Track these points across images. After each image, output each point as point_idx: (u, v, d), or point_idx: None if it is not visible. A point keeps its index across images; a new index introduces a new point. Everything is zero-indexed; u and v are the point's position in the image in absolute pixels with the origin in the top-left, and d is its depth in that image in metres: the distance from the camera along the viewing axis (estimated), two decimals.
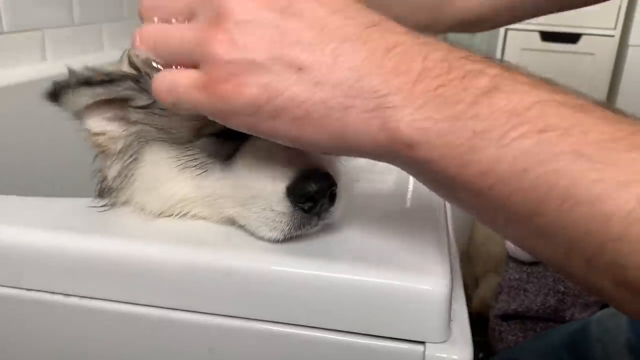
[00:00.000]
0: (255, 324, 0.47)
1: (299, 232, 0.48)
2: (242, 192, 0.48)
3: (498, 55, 2.02)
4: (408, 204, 0.61)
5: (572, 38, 1.85)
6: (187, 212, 0.52)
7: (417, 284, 0.44)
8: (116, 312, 0.49)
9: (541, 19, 1.88)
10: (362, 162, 0.72)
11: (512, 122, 0.35)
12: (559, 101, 0.35)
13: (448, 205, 0.67)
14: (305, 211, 0.47)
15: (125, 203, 0.53)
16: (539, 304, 1.42)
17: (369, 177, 0.69)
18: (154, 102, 0.50)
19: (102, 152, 0.54)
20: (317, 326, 0.46)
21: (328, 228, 0.50)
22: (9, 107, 1.09)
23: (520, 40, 2.00)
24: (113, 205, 0.54)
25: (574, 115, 0.35)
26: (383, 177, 0.69)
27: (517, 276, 1.46)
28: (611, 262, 0.33)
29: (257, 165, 0.48)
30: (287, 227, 0.47)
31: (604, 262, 0.34)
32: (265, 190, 0.47)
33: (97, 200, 0.54)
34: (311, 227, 0.48)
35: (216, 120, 0.43)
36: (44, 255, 0.49)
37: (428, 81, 0.37)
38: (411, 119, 0.36)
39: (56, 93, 0.49)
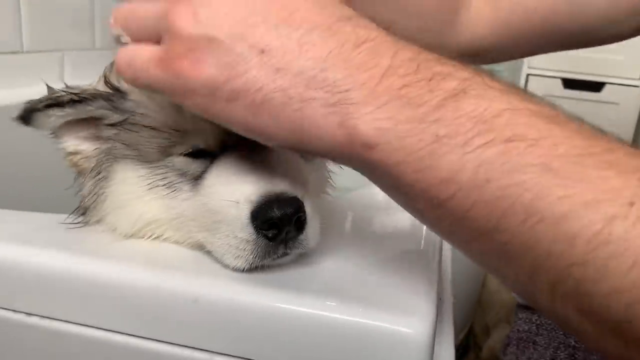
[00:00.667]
0: (218, 358, 0.43)
1: (265, 262, 0.45)
2: (208, 216, 0.46)
3: None
4: (402, 241, 0.58)
5: (595, 86, 1.82)
6: (158, 236, 0.49)
7: (395, 325, 0.40)
8: (77, 335, 0.46)
9: (564, 66, 1.85)
10: (379, 197, 0.70)
11: (477, 128, 0.32)
12: (531, 110, 0.33)
13: (448, 246, 0.64)
14: (269, 239, 0.44)
15: (97, 222, 0.51)
16: (548, 359, 1.35)
17: (370, 212, 0.67)
18: (126, 119, 0.49)
19: (79, 171, 0.53)
20: None
21: (304, 259, 0.47)
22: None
23: (542, 86, 1.98)
24: (86, 223, 0.52)
25: (546, 127, 0.32)
26: (386, 212, 0.66)
27: (526, 327, 1.40)
28: (576, 288, 0.30)
29: (223, 187, 0.45)
30: (252, 256, 0.44)
31: (569, 288, 0.31)
32: (228, 215, 0.44)
33: (70, 217, 0.52)
34: (278, 257, 0.45)
35: (171, 99, 0.41)
36: (5, 270, 0.47)
37: (393, 79, 0.35)
38: (371, 118, 0.34)
39: (27, 116, 0.48)
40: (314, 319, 0.41)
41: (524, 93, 0.35)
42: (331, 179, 0.62)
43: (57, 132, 0.51)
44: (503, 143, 0.32)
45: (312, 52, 0.36)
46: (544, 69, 1.93)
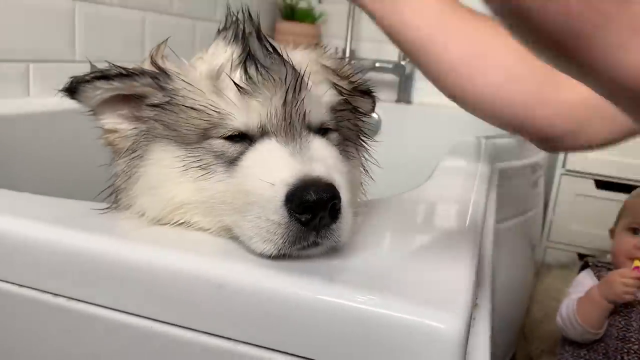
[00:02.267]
0: (241, 347, 0.42)
1: (294, 249, 0.43)
2: (240, 197, 0.45)
3: (552, 198, 2.00)
4: (442, 237, 0.56)
5: (627, 188, 1.77)
6: (187, 220, 0.49)
7: (425, 319, 0.38)
8: (102, 317, 0.45)
9: (596, 168, 1.90)
10: (415, 202, 0.68)
11: None
12: None
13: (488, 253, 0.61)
14: (302, 223, 0.42)
15: (128, 205, 0.51)
16: None
17: (405, 215, 0.65)
18: (169, 100, 0.49)
19: (115, 151, 0.53)
20: (307, 356, 0.40)
21: (335, 252, 0.45)
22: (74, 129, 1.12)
23: (574, 185, 1.96)
24: (117, 207, 0.51)
25: None
26: (423, 215, 0.64)
27: None
28: None
29: (260, 169, 0.45)
30: (282, 240, 0.43)
31: None
32: (262, 196, 0.43)
33: (102, 202, 0.52)
34: (309, 245, 0.44)
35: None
36: (34, 250, 0.47)
37: None
38: None
39: (74, 88, 0.49)
40: (339, 309, 0.39)
41: None
42: (363, 186, 0.61)
43: (98, 109, 0.51)
44: None
45: None
46: (578, 168, 1.94)
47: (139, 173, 0.50)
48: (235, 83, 0.47)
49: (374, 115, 1.93)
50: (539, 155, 1.48)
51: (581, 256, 1.89)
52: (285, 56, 0.50)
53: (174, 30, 1.58)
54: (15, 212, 0.50)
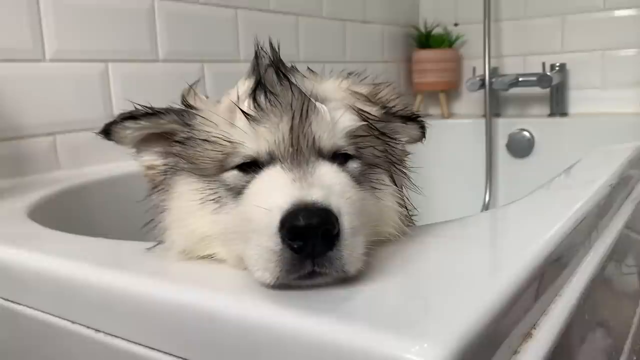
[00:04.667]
0: None
1: (291, 277, 0.41)
2: (244, 225, 0.44)
3: None
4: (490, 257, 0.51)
5: None
6: (210, 252, 0.50)
7: (398, 351, 0.33)
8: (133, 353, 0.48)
9: None
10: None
11: None
12: None
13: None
14: (295, 251, 0.40)
15: (162, 236, 0.53)
16: None
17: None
18: (192, 135, 0.51)
19: (153, 186, 0.56)
20: None
21: (342, 283, 0.42)
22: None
23: None
24: (160, 242, 0.53)
25: None
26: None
27: None
28: None
29: (259, 197, 0.44)
30: (278, 268, 0.40)
31: None
32: (261, 222, 0.42)
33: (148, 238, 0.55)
34: (307, 275, 0.41)
35: None
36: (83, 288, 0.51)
37: None
38: None
39: (108, 130, 0.54)
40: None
41: None
42: (410, 214, 0.56)
43: (138, 147, 0.56)
44: None
45: None
46: None
47: (166, 206, 0.52)
48: (243, 111, 0.48)
49: (525, 133, 1.83)
50: None
51: None
52: (295, 82, 0.49)
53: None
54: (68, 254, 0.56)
